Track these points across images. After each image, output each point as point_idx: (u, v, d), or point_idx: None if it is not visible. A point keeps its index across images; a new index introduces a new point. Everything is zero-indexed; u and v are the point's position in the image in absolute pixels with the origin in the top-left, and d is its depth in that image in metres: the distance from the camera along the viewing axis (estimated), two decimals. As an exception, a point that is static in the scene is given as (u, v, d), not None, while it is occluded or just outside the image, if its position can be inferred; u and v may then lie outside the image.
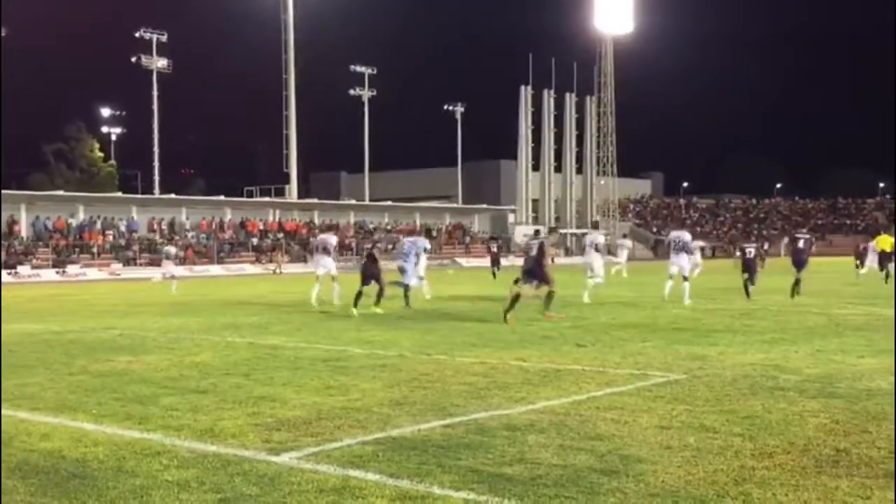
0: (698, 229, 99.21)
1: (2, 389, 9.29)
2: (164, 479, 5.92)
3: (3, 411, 8.22)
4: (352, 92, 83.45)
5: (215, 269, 58.59)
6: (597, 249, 25.37)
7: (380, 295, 20.27)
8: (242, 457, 6.52)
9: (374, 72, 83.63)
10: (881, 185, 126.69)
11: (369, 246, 21.96)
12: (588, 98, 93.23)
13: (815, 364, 11.14)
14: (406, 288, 22.11)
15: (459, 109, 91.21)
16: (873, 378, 9.93)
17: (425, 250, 23.69)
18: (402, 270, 22.39)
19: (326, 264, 23.25)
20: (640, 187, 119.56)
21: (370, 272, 20.60)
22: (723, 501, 5.37)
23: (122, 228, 61.33)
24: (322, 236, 25.55)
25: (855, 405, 8.32)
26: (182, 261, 59.65)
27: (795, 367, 10.90)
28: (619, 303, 22.89)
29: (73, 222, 59.31)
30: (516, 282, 18.16)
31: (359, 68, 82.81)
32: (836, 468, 6.11)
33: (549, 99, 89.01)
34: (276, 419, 7.86)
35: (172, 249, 38.49)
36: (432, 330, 16.07)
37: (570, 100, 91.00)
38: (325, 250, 23.49)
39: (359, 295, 20.09)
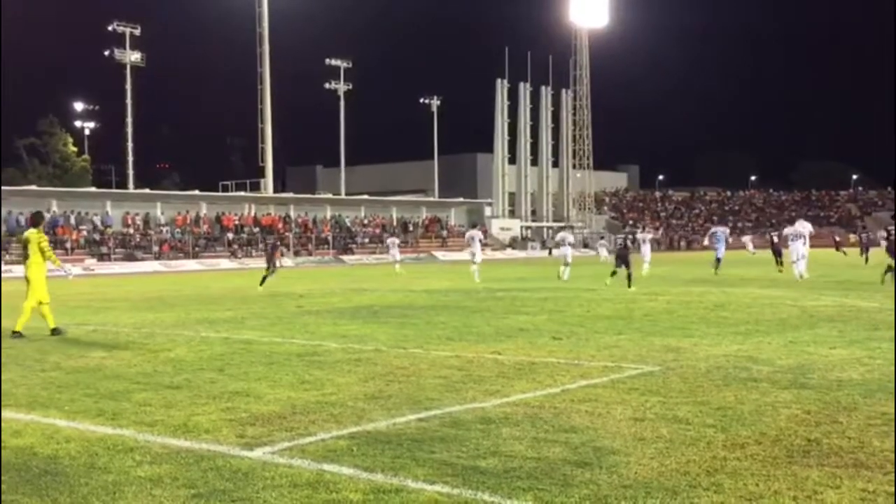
0: (674, 221, 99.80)
1: (1, 390, 9.16)
2: (136, 476, 5.89)
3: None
4: (327, 85, 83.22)
5: (191, 264, 58.31)
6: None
7: (629, 277, 24.82)
8: (216, 452, 6.49)
9: (350, 65, 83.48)
10: (854, 177, 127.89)
11: (623, 237, 27.24)
12: (564, 91, 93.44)
13: (787, 355, 11.23)
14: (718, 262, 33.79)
15: (435, 103, 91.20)
16: (844, 369, 10.02)
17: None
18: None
19: (477, 252, 31.45)
20: (616, 180, 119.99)
21: (625, 257, 25.27)
22: (695, 492, 5.40)
23: (97, 223, 60.88)
24: (473, 231, 33.62)
25: (826, 396, 8.40)
26: (158, 255, 59.43)
27: (768, 358, 10.99)
28: (594, 296, 22.99)
29: (47, 217, 58.82)
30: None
31: (334, 62, 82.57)
32: (807, 458, 6.17)
33: (525, 92, 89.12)
34: (250, 414, 7.84)
35: (396, 240, 46.55)
36: (408, 324, 16.07)
37: (546, 93, 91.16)
38: (476, 242, 31.87)
39: (613, 273, 25.40)
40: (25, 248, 14.94)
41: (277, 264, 31.03)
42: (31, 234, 14.99)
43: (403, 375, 9.91)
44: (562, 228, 78.75)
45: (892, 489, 5.43)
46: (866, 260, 41.45)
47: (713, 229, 38.31)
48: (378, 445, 6.60)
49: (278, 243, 38.49)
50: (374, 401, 8.39)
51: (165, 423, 7.50)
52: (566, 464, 6.05)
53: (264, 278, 28.91)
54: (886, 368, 10.01)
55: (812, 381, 9.26)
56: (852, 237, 66.04)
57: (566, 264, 31.46)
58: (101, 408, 8.23)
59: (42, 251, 14.78)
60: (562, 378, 9.65)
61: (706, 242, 38.41)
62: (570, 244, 32.65)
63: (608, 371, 10.13)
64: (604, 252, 58.15)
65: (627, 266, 25.04)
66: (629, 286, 24.44)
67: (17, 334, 14.47)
